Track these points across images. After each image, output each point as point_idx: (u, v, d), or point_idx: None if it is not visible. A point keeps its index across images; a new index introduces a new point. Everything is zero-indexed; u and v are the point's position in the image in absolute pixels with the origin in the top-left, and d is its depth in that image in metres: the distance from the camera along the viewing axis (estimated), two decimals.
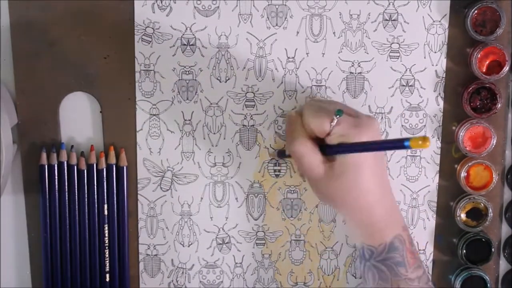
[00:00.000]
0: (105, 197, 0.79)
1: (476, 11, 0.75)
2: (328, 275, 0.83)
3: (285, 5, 0.76)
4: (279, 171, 0.80)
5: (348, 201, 0.69)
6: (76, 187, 0.79)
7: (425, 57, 0.78)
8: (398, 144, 0.60)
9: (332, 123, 0.67)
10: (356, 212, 0.70)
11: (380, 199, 0.69)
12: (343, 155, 0.68)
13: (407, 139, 0.57)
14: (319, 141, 0.70)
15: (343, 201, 0.69)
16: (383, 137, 0.79)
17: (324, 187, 0.70)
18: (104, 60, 0.77)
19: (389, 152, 0.80)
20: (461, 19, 0.77)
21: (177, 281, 0.82)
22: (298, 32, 0.77)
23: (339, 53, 0.78)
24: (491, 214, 0.78)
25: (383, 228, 0.70)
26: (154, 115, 0.79)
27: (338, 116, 0.67)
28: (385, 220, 0.70)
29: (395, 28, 0.77)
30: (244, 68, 0.78)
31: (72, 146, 0.78)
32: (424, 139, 0.55)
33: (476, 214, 0.79)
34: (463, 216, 0.79)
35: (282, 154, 0.79)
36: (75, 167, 0.78)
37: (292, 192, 0.81)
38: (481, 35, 0.76)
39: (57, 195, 0.78)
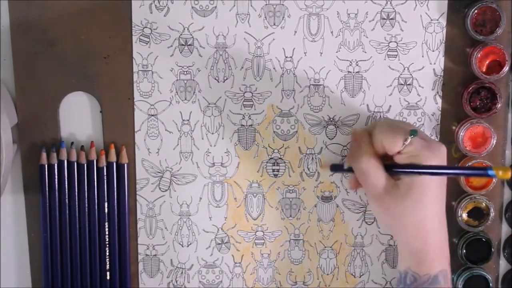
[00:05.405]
0: (106, 195, 0.79)
1: (476, 11, 0.75)
2: (328, 274, 0.83)
3: (283, 4, 0.76)
4: (278, 170, 0.80)
5: (408, 224, 0.69)
6: (76, 185, 0.79)
7: (423, 56, 0.77)
8: (480, 172, 0.66)
9: (405, 142, 0.68)
10: (412, 237, 0.69)
11: (437, 229, 0.69)
12: (410, 175, 0.68)
13: (490, 168, 0.63)
14: (383, 159, 0.70)
15: (403, 223, 0.69)
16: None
17: (386, 206, 0.69)
18: (104, 60, 0.77)
19: None
20: (461, 19, 0.77)
21: (176, 281, 0.82)
22: (295, 32, 0.77)
23: (337, 52, 0.78)
24: (493, 213, 0.78)
25: (433, 259, 0.69)
26: (152, 115, 0.79)
27: (412, 136, 0.67)
28: (435, 252, 0.69)
29: (392, 27, 0.77)
30: (242, 67, 0.78)
31: (72, 143, 0.78)
32: (505, 171, 0.60)
33: (478, 213, 0.79)
34: (464, 215, 0.79)
35: (337, 168, 0.78)
36: (75, 163, 0.78)
37: (291, 191, 0.80)
38: (481, 35, 0.75)
39: (57, 194, 0.79)
